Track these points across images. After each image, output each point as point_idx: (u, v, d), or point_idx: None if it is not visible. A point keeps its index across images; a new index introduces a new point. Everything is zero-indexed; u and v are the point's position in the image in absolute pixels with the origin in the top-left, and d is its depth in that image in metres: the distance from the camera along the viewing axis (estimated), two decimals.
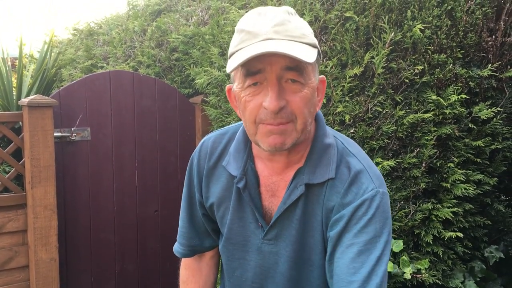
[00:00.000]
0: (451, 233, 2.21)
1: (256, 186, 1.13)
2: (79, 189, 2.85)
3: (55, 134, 2.69)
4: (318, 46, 1.02)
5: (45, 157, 2.62)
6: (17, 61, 4.15)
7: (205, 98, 3.17)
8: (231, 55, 1.00)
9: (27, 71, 4.56)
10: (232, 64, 0.97)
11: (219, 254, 1.36)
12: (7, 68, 4.12)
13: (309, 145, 1.10)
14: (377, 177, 1.07)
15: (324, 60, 2.31)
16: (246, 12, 2.68)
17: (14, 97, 4.01)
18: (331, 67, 2.26)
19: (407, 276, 2.08)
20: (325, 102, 2.28)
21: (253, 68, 0.97)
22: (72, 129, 2.80)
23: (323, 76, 1.09)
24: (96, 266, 2.94)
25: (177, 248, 1.34)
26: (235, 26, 2.68)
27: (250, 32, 0.97)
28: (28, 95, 3.96)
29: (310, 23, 2.36)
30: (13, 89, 4.08)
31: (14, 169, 2.66)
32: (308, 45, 0.98)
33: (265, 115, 0.98)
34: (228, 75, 2.82)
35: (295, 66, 0.96)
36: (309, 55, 0.95)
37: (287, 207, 1.08)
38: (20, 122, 2.83)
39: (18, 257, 2.66)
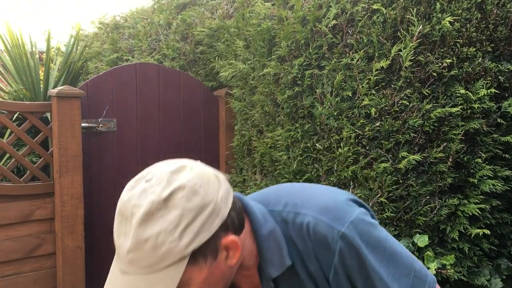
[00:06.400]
0: (478, 230, 2.18)
1: None
2: (104, 179, 2.90)
3: (83, 124, 2.74)
4: (197, 244, 0.83)
5: (73, 147, 2.67)
6: (44, 54, 4.23)
7: (229, 91, 3.18)
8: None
9: (54, 64, 4.64)
10: None
11: None
12: (35, 61, 4.20)
13: (254, 244, 0.99)
14: (329, 212, 0.94)
15: (351, 53, 2.29)
16: (272, 4, 2.71)
17: (41, 90, 4.08)
18: (357, 60, 2.24)
19: (432, 271, 2.06)
20: (350, 95, 2.26)
21: None
22: (99, 120, 2.85)
23: (229, 238, 0.88)
24: None
25: None
26: (260, 19, 2.71)
27: (115, 243, 0.87)
28: (55, 87, 4.03)
29: (337, 16, 2.35)
30: (40, 81, 4.16)
31: (42, 158, 2.72)
32: (169, 267, 0.82)
33: None
34: (253, 68, 2.83)
35: None
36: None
37: None
38: (48, 114, 2.89)
39: (46, 244, 2.72)
